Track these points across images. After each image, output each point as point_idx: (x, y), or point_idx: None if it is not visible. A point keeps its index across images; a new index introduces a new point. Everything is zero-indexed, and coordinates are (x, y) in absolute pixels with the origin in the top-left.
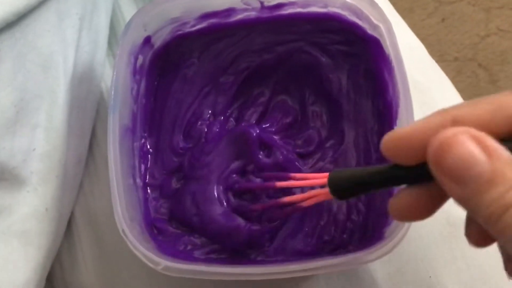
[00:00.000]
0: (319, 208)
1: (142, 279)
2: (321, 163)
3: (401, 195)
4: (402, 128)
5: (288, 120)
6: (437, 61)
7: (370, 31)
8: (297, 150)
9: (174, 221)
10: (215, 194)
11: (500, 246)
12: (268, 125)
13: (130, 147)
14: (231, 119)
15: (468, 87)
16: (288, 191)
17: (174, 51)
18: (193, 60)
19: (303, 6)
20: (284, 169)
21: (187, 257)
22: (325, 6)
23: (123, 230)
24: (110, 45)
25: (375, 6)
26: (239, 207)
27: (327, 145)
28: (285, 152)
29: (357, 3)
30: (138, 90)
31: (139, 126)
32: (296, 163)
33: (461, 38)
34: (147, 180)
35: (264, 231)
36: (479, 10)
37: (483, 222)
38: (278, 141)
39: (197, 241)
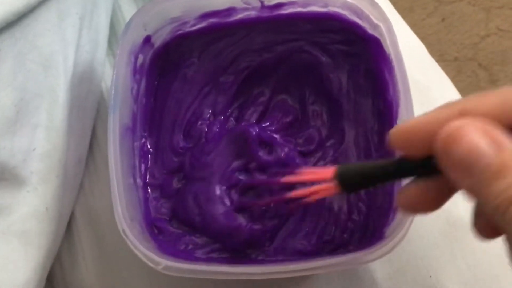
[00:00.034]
0: (319, 207)
1: (142, 279)
2: (322, 162)
3: (409, 187)
4: (410, 120)
5: (288, 119)
6: (437, 61)
7: (370, 30)
8: (298, 148)
9: (175, 221)
10: (217, 193)
11: (506, 238)
12: (268, 124)
13: (130, 147)
14: (231, 118)
15: (468, 87)
16: (293, 187)
17: (174, 51)
18: (193, 59)
19: (303, 6)
20: (286, 165)
21: (187, 256)
22: (325, 5)
23: (123, 230)
24: (110, 45)
25: (376, 6)
26: (243, 203)
27: (328, 144)
28: (286, 149)
29: (357, 3)
30: (138, 90)
31: (139, 125)
32: (297, 159)
33: (461, 38)
34: (147, 180)
35: (266, 230)
36: (479, 9)
37: (490, 213)
38: (278, 139)
39: (198, 240)
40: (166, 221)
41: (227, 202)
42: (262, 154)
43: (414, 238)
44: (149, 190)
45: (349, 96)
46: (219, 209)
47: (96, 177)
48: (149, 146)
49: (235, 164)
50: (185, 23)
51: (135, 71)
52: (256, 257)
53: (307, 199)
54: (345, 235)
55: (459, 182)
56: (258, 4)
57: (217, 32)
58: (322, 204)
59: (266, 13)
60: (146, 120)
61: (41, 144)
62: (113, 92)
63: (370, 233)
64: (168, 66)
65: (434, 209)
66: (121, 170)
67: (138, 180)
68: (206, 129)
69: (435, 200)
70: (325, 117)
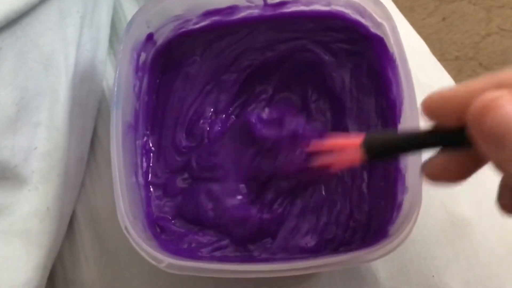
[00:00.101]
0: (321, 206)
1: (143, 278)
2: None
3: (438, 156)
4: (445, 89)
5: None
6: (437, 60)
7: (373, 29)
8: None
9: (179, 220)
10: (235, 189)
11: None
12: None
13: (133, 145)
14: (233, 117)
15: None
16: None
17: (176, 49)
18: (195, 57)
19: (306, 4)
20: (300, 136)
21: (190, 255)
22: (328, 4)
23: (125, 227)
24: (111, 43)
25: (379, 4)
26: (266, 171)
27: None
28: (294, 121)
29: (360, 1)
30: (140, 87)
31: (141, 123)
32: (308, 128)
33: (461, 37)
34: (149, 179)
35: (273, 219)
36: (479, 9)
37: None
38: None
39: (201, 239)
40: (169, 220)
41: (244, 195)
42: (267, 131)
43: (417, 238)
44: (151, 189)
45: (352, 95)
46: (234, 202)
47: (98, 176)
48: (151, 145)
49: (247, 157)
50: (188, 21)
51: (137, 69)
52: (259, 255)
53: (332, 169)
54: (347, 234)
55: (489, 155)
56: (261, 3)
57: (219, 30)
58: (322, 205)
59: (269, 12)
60: (148, 118)
61: (42, 143)
62: (116, 88)
63: (373, 231)
64: (170, 64)
65: (459, 180)
66: (123, 167)
67: (140, 178)
68: (208, 128)
69: (462, 171)
70: (328, 114)
